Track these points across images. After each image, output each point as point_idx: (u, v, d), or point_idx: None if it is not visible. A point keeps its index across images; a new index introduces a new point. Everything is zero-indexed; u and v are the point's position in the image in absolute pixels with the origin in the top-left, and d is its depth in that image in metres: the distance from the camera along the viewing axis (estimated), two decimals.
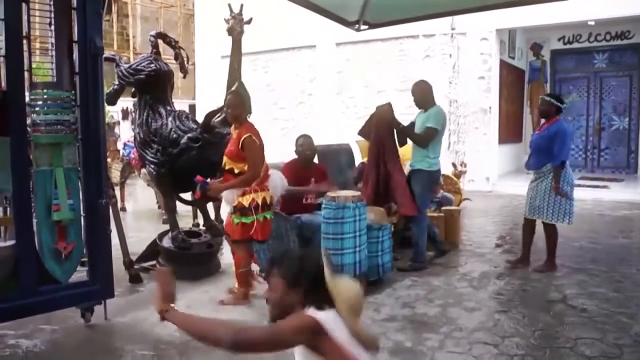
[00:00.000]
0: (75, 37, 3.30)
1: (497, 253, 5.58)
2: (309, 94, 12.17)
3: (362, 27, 6.06)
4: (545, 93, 10.26)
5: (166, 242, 4.85)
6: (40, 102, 3.23)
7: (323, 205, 4.19)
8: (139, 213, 8.59)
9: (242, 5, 4.51)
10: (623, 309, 3.83)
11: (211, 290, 4.34)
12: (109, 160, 6.20)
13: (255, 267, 4.40)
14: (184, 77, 5.46)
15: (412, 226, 5.06)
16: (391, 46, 11.04)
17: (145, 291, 4.39)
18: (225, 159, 3.98)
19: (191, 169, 4.53)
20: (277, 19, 10.52)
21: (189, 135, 4.62)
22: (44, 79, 3.46)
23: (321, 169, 5.04)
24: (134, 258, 4.73)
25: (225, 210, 4.34)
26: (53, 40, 3.28)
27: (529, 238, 4.98)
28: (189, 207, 6.52)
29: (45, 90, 3.26)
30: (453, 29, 10.21)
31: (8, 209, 3.35)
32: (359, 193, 4.36)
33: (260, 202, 3.91)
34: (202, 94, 13.49)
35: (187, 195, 5.33)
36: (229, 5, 4.49)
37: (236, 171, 3.92)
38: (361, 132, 5.33)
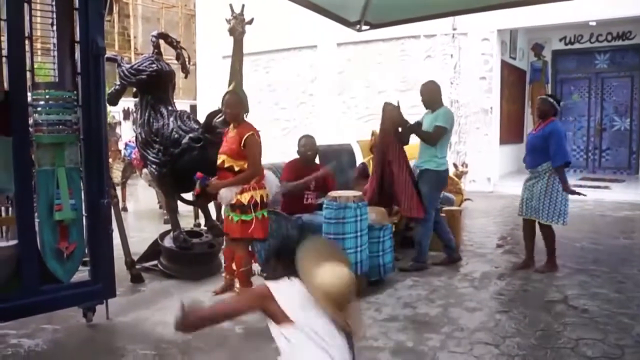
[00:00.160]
0: (77, 37, 3.31)
1: (498, 253, 5.58)
2: (310, 94, 12.18)
3: (364, 27, 6.07)
4: (545, 93, 10.26)
5: (167, 242, 4.86)
6: (42, 102, 3.24)
7: (324, 206, 4.20)
8: (141, 213, 8.60)
9: (243, 6, 4.51)
10: (625, 310, 3.82)
11: (213, 290, 4.34)
12: (110, 160, 6.20)
13: (256, 267, 4.42)
14: (186, 77, 5.46)
15: (417, 225, 5.04)
16: (392, 46, 11.04)
17: (147, 291, 4.40)
18: (223, 156, 3.99)
19: (193, 169, 4.55)
20: (278, 19, 10.53)
21: (191, 135, 4.63)
22: (45, 79, 3.47)
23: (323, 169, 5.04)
24: (135, 258, 4.74)
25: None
26: (55, 40, 3.28)
27: (530, 240, 4.97)
28: (191, 207, 6.53)
29: (47, 91, 3.27)
30: (454, 29, 10.21)
31: (10, 208, 3.36)
32: (360, 193, 4.36)
33: (258, 200, 3.96)
34: (204, 94, 13.50)
35: (188, 195, 5.33)
36: (231, 6, 4.49)
37: (236, 169, 3.94)
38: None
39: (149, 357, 3.16)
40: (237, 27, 4.47)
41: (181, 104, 6.43)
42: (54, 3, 3.26)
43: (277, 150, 9.15)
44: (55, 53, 3.28)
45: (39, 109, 3.23)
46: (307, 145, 4.85)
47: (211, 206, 5.53)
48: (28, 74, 3.15)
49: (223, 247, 4.61)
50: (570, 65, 12.21)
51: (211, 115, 4.57)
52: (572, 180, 4.84)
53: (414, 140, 5.12)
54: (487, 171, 10.26)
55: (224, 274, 4.34)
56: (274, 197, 4.96)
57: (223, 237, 4.79)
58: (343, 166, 6.19)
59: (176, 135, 4.69)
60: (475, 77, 10.29)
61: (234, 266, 4.14)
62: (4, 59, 3.04)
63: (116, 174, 8.24)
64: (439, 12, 5.95)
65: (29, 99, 3.19)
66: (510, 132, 11.53)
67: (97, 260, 3.45)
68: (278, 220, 4.56)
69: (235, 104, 4.02)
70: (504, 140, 10.92)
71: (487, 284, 4.51)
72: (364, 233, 4.19)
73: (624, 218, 7.59)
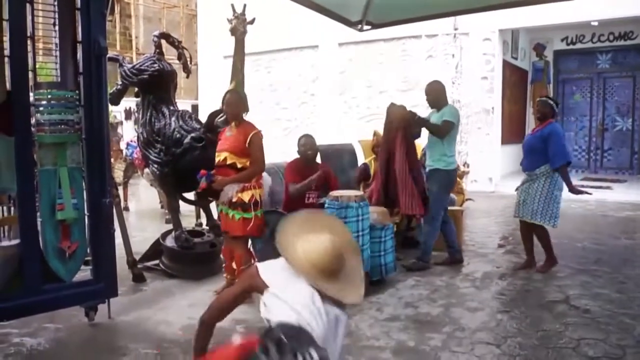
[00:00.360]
0: (79, 37, 3.32)
1: (499, 253, 5.58)
2: (312, 94, 12.18)
3: (365, 27, 6.07)
4: (547, 94, 10.27)
5: (169, 242, 4.87)
6: (44, 102, 3.25)
7: (326, 205, 4.21)
8: (142, 213, 8.60)
9: (244, 6, 4.52)
10: (626, 310, 3.82)
11: (214, 290, 4.34)
12: (112, 160, 6.21)
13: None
14: (187, 77, 5.46)
15: (424, 225, 5.04)
16: (394, 46, 11.03)
17: (149, 290, 4.41)
18: (225, 154, 4.01)
19: (194, 169, 4.54)
20: (279, 19, 10.53)
21: (192, 135, 4.63)
22: (48, 79, 3.48)
23: (324, 168, 5.04)
24: (137, 257, 4.74)
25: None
26: (57, 40, 3.29)
27: (528, 240, 4.96)
28: (192, 207, 6.53)
29: (49, 90, 3.27)
30: (456, 29, 10.21)
31: (12, 208, 3.36)
32: (361, 193, 4.37)
33: (258, 198, 4.03)
34: (205, 94, 13.51)
35: (190, 195, 5.34)
36: (232, 6, 4.50)
37: (239, 166, 3.98)
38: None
39: (151, 356, 3.17)
40: (239, 26, 4.48)
41: (183, 104, 6.44)
42: (55, 3, 3.28)
43: (279, 150, 9.15)
44: (57, 53, 3.29)
45: (41, 108, 3.23)
46: (306, 144, 4.85)
47: (212, 206, 5.53)
48: (30, 74, 3.16)
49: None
50: (572, 65, 12.20)
51: (213, 115, 4.58)
52: (574, 180, 4.83)
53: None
54: (488, 171, 10.25)
55: (224, 275, 4.35)
56: (276, 196, 4.98)
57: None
58: (344, 166, 6.20)
59: (178, 135, 4.69)
60: (477, 77, 10.28)
61: (234, 265, 4.15)
62: (6, 59, 3.04)
63: (118, 174, 8.25)
64: (440, 12, 5.94)
65: (31, 98, 3.20)
66: (512, 132, 11.52)
67: (99, 260, 3.46)
68: (281, 219, 4.55)
69: (236, 102, 4.07)
70: (506, 140, 10.91)
71: (488, 284, 4.51)
72: (365, 233, 4.20)
73: (626, 218, 7.58)
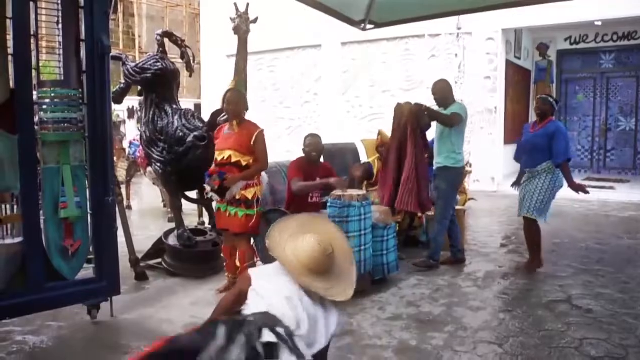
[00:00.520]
0: (83, 36, 3.32)
1: (502, 253, 5.57)
2: (315, 94, 12.18)
3: (368, 26, 6.06)
4: (550, 94, 10.24)
5: (172, 240, 4.88)
6: (48, 101, 3.25)
7: (328, 204, 4.21)
8: (145, 211, 8.62)
9: (247, 5, 4.53)
10: (629, 310, 3.82)
11: (216, 288, 4.35)
12: (114, 158, 6.22)
13: (259, 264, 4.43)
14: (190, 76, 5.47)
15: (434, 223, 5.03)
16: (397, 46, 11.03)
17: (151, 289, 4.42)
18: (230, 152, 4.01)
19: (197, 168, 4.55)
20: (282, 18, 10.54)
21: (195, 133, 4.63)
22: (51, 78, 3.48)
23: (327, 168, 5.04)
24: (140, 256, 4.76)
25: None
26: (60, 39, 3.30)
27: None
28: (195, 206, 6.55)
29: (52, 89, 3.28)
30: (459, 28, 10.19)
31: (16, 206, 3.37)
32: (364, 192, 4.36)
33: (259, 195, 4.11)
34: (208, 93, 13.52)
35: (192, 194, 5.34)
36: (235, 5, 4.50)
37: (244, 164, 4.02)
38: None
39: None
40: (242, 25, 4.49)
41: (185, 103, 6.46)
42: (59, 2, 3.27)
43: (282, 149, 9.16)
44: (61, 51, 3.30)
45: (44, 107, 3.24)
46: (311, 145, 4.85)
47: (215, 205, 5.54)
48: (34, 72, 3.16)
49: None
50: (576, 65, 12.17)
51: (215, 114, 4.59)
52: (577, 180, 4.82)
53: None
54: (491, 171, 10.23)
55: (226, 274, 4.36)
56: (278, 195, 4.98)
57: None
58: (347, 165, 6.20)
59: (181, 134, 4.70)
60: (480, 77, 10.26)
61: (237, 263, 4.16)
62: (10, 57, 3.05)
63: (121, 173, 8.27)
64: (443, 12, 5.94)
65: (35, 97, 3.20)
66: (515, 131, 11.46)
67: (102, 258, 3.46)
68: (283, 218, 4.56)
69: (237, 101, 4.10)
70: (509, 140, 10.87)
71: (490, 284, 4.50)
72: (367, 232, 4.19)
73: (629, 218, 7.56)
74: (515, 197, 4.99)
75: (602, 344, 3.23)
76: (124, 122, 14.11)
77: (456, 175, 4.94)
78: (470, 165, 8.48)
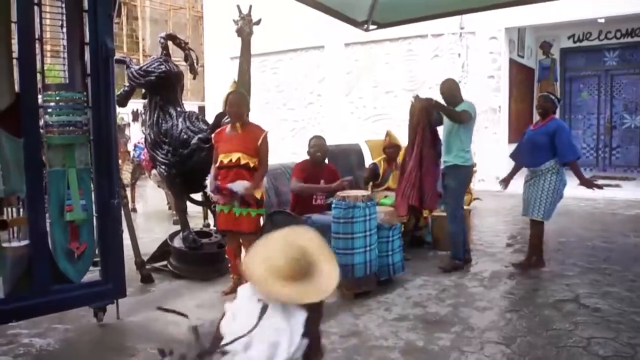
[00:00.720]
0: (87, 39, 3.33)
1: (508, 252, 5.55)
2: (318, 95, 12.19)
3: (371, 27, 6.07)
4: (554, 92, 10.21)
5: (177, 243, 4.88)
6: (52, 104, 3.26)
7: (333, 205, 4.20)
8: (150, 214, 8.63)
9: (250, 7, 4.52)
10: (636, 309, 3.79)
11: (222, 290, 4.35)
12: (119, 161, 6.24)
13: None
14: (194, 78, 5.48)
15: (448, 225, 5.00)
16: (400, 46, 11.03)
17: (157, 291, 4.43)
18: (238, 154, 3.99)
19: (201, 170, 4.56)
20: (285, 19, 10.55)
21: (200, 136, 4.65)
22: (56, 81, 3.49)
23: (332, 169, 5.04)
24: (145, 258, 4.76)
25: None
26: (65, 42, 3.31)
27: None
28: (200, 208, 6.55)
29: (57, 92, 3.29)
30: (462, 28, 10.18)
31: (21, 209, 3.38)
32: (368, 192, 4.35)
33: (265, 196, 4.19)
34: (212, 96, 13.56)
35: (197, 196, 5.35)
36: (238, 7, 4.50)
37: (252, 165, 4.04)
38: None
39: (159, 356, 3.17)
40: (245, 27, 4.49)
41: (189, 105, 6.47)
42: (63, 5, 3.29)
43: (286, 150, 9.17)
44: (65, 55, 3.31)
45: (49, 110, 3.25)
46: (316, 146, 4.86)
47: None
48: (38, 76, 3.18)
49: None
50: (579, 63, 12.13)
51: (220, 116, 4.59)
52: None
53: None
54: (495, 170, 10.17)
55: (231, 275, 4.35)
56: (283, 197, 4.98)
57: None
58: (351, 166, 6.19)
59: (185, 136, 4.71)
60: (483, 76, 10.25)
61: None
62: (15, 61, 3.06)
63: (125, 175, 8.28)
64: (446, 11, 5.93)
65: (40, 100, 3.22)
66: (519, 130, 11.35)
67: (108, 261, 3.47)
68: (288, 220, 4.56)
69: (240, 103, 4.10)
70: (513, 139, 10.82)
71: (497, 283, 4.48)
72: (373, 232, 4.18)
73: (635, 216, 7.52)
74: (521, 196, 4.96)
75: (610, 343, 3.21)
76: (129, 124, 14.15)
77: (466, 174, 4.93)
78: (475, 165, 8.45)
